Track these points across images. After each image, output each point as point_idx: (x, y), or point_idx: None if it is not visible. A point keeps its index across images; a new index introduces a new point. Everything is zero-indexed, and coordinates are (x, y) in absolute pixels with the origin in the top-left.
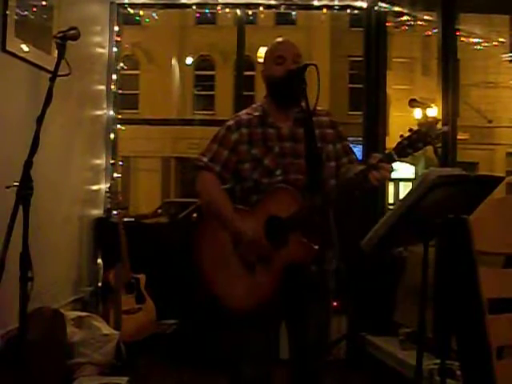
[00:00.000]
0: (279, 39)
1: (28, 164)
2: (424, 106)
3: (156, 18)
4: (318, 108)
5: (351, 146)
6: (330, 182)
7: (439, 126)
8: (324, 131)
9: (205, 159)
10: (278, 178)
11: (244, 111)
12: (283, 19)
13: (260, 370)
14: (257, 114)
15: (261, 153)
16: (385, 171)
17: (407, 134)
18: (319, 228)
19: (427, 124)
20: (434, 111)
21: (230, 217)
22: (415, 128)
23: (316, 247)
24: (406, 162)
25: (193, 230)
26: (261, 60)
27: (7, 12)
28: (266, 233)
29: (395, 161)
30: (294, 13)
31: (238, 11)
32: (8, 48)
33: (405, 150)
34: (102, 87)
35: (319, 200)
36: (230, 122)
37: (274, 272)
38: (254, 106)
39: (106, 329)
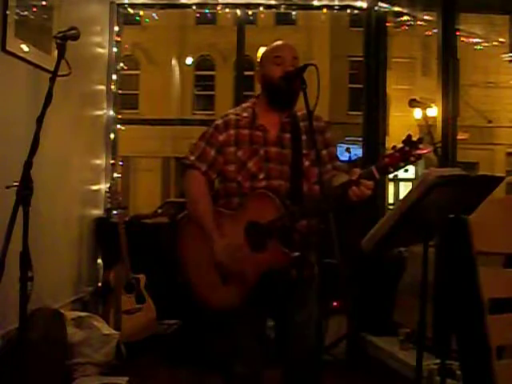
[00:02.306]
0: (278, 42)
1: (28, 164)
2: (424, 105)
3: (156, 18)
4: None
5: (352, 146)
6: (314, 188)
7: (422, 146)
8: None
9: (192, 158)
10: (261, 183)
11: (233, 110)
12: (283, 19)
13: (250, 369)
14: (245, 114)
15: (245, 155)
16: (365, 188)
17: (389, 152)
18: (301, 233)
19: (410, 143)
20: (433, 111)
21: (208, 227)
22: (399, 145)
23: (295, 254)
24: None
25: (177, 228)
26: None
27: (7, 12)
28: (246, 238)
29: (376, 178)
30: (293, 13)
31: (238, 11)
32: (8, 48)
33: (386, 168)
34: (102, 87)
35: (300, 209)
36: (219, 122)
37: (249, 278)
38: (243, 105)
39: (106, 329)
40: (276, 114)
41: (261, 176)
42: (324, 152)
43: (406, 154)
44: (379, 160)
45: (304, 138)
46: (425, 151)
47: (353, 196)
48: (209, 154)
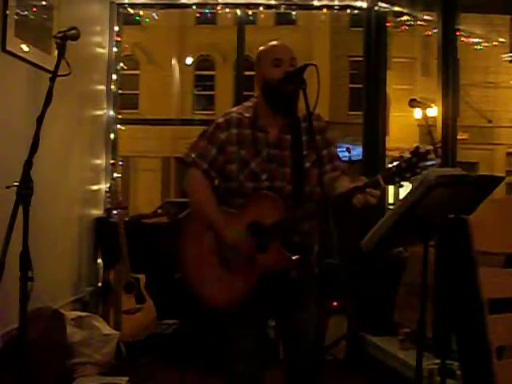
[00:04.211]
0: (274, 42)
1: (28, 164)
2: (424, 106)
3: (156, 18)
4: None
5: (351, 146)
6: (315, 190)
7: (431, 156)
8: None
9: (193, 155)
10: (264, 184)
11: (235, 109)
12: (283, 19)
13: (251, 369)
14: (248, 115)
15: (248, 155)
16: (370, 196)
17: (396, 162)
18: (302, 235)
19: (418, 154)
20: (433, 111)
21: (214, 218)
22: (406, 156)
23: (294, 257)
24: None
25: (178, 229)
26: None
27: (7, 12)
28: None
29: (381, 186)
30: (293, 13)
31: (238, 11)
32: (8, 48)
33: (392, 178)
34: (102, 87)
35: (303, 211)
36: (220, 120)
37: (250, 275)
38: (245, 104)
39: (106, 329)
40: (276, 114)
41: (263, 177)
42: (324, 152)
43: (413, 165)
44: (386, 169)
45: (304, 138)
46: (433, 162)
47: (357, 203)
48: (210, 152)
